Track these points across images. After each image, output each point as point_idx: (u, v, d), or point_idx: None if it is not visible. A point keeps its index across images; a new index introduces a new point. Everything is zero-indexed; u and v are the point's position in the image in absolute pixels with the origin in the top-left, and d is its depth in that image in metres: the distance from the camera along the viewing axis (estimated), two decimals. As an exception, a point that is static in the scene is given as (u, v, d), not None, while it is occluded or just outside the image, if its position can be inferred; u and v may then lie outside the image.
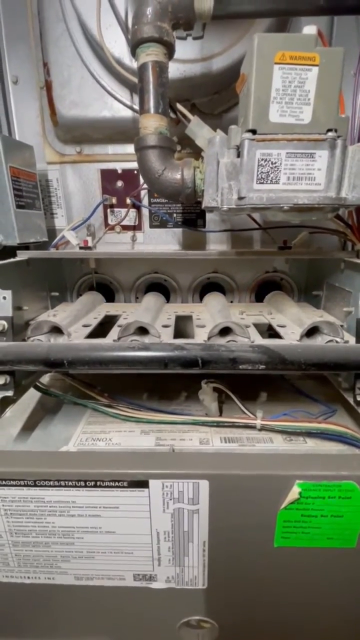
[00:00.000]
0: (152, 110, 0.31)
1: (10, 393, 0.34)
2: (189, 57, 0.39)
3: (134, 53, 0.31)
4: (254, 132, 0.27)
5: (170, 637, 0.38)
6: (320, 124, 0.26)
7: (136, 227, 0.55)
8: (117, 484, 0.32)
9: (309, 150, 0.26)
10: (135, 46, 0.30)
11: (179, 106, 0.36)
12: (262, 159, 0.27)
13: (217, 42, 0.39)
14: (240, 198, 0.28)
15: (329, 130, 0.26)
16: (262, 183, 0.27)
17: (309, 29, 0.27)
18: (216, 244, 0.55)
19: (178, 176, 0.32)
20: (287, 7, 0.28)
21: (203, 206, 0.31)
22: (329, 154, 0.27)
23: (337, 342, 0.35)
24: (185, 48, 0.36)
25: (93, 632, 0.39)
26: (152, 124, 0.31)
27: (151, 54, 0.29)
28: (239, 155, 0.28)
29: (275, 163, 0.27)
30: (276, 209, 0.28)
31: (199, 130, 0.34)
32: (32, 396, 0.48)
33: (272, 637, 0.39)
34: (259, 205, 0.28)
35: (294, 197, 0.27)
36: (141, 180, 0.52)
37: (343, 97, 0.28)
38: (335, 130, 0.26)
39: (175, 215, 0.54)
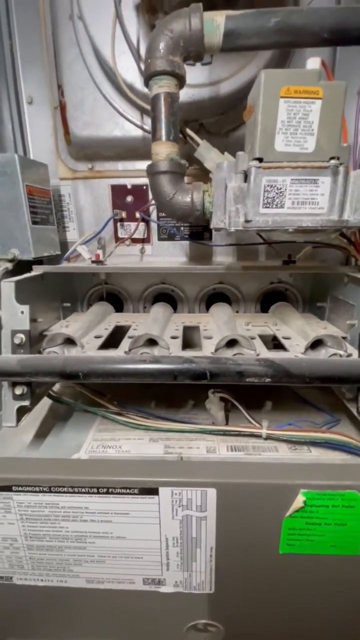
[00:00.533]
0: (164, 138, 0.33)
1: (27, 403, 0.36)
2: (197, 82, 0.41)
3: (147, 84, 0.33)
4: (260, 160, 0.28)
5: (179, 639, 0.39)
6: (324, 153, 0.28)
7: (145, 240, 0.57)
8: (128, 491, 0.33)
9: (312, 177, 0.28)
10: (148, 78, 0.32)
11: (189, 131, 0.38)
12: (268, 185, 0.28)
13: (224, 68, 0.41)
14: (247, 221, 0.29)
15: (332, 158, 0.28)
16: (268, 207, 0.29)
17: (313, 62, 0.29)
18: (222, 256, 0.57)
19: (188, 199, 0.33)
20: (292, 40, 0.30)
21: (211, 226, 0.32)
22: (332, 180, 0.28)
23: (340, 355, 0.36)
24: (194, 73, 0.38)
25: (103, 634, 0.40)
26: (164, 151, 0.33)
27: (163, 85, 0.31)
28: (245, 179, 0.30)
29: (280, 189, 0.28)
30: (281, 231, 0.30)
31: (207, 154, 0.36)
32: (43, 404, 0.49)
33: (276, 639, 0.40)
34: (264, 228, 0.29)
35: (298, 221, 0.29)
36: (150, 195, 0.54)
37: (346, 125, 0.29)
38: (338, 158, 0.28)
39: (182, 228, 0.56)
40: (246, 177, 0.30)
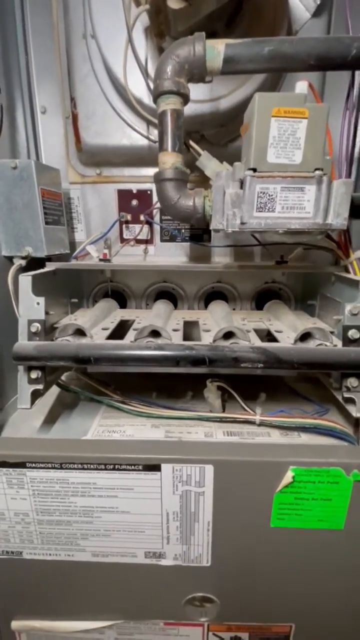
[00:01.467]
0: (169, 149, 0.37)
1: (40, 386, 0.39)
2: (199, 98, 0.45)
3: (155, 101, 0.37)
4: (254, 170, 0.32)
5: (177, 612, 0.42)
6: (309, 164, 0.32)
7: (148, 241, 0.60)
8: (133, 467, 0.36)
9: (299, 185, 0.32)
10: (156, 96, 0.36)
11: (192, 142, 0.42)
12: (261, 192, 0.32)
13: (223, 86, 0.46)
14: (242, 223, 0.33)
15: (316, 169, 0.32)
16: (261, 211, 0.33)
17: (300, 85, 0.33)
18: (220, 257, 0.61)
19: (190, 203, 0.37)
20: (283, 66, 0.34)
21: (211, 227, 0.36)
22: (317, 188, 0.32)
23: (326, 345, 0.40)
24: (197, 91, 0.42)
25: (104, 609, 0.43)
26: (170, 160, 0.37)
27: (170, 103, 0.35)
28: (241, 186, 0.34)
29: (271, 195, 0.32)
30: (272, 232, 0.34)
31: (208, 163, 0.40)
32: (51, 393, 0.52)
33: (268, 612, 0.42)
34: (258, 229, 0.33)
35: (288, 223, 0.33)
36: (154, 199, 0.58)
37: (331, 139, 0.33)
38: (322, 169, 0.32)
39: (183, 230, 0.60)
40: (242, 184, 0.34)
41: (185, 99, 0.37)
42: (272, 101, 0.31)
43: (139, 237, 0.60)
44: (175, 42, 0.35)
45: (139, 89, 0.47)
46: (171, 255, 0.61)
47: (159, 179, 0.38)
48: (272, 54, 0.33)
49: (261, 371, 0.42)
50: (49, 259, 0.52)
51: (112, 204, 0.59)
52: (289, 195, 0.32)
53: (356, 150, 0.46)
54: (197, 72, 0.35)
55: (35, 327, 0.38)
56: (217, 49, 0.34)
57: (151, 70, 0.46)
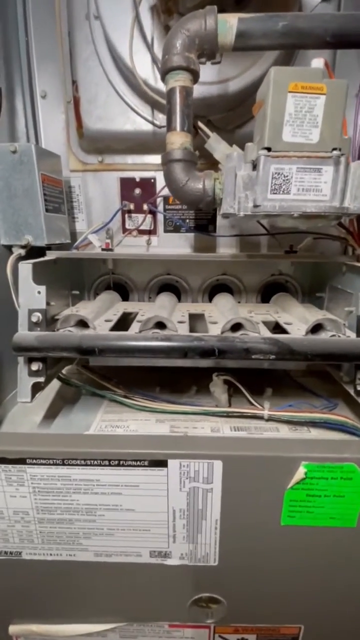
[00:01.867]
0: (178, 128, 0.35)
1: (42, 379, 0.38)
2: (207, 80, 0.43)
3: (163, 78, 0.35)
4: (269, 149, 0.31)
5: (182, 613, 0.41)
6: (327, 144, 0.30)
7: (151, 232, 0.59)
8: (138, 463, 0.34)
9: (316, 166, 0.31)
10: (165, 73, 0.35)
11: (200, 124, 0.41)
12: (276, 173, 0.31)
13: (232, 67, 0.44)
14: (255, 206, 0.32)
15: (334, 149, 0.30)
16: (276, 193, 0.31)
17: (317, 62, 0.31)
18: (226, 248, 0.59)
19: (200, 186, 0.36)
20: (297, 42, 0.33)
21: (221, 212, 0.35)
22: (334, 169, 0.31)
23: (339, 337, 0.38)
24: (204, 72, 0.40)
25: (108, 609, 0.41)
26: (178, 140, 0.35)
27: (179, 80, 0.34)
28: (254, 168, 0.32)
29: (287, 176, 0.31)
30: (287, 216, 0.32)
31: (217, 146, 0.39)
32: (51, 388, 0.51)
33: (277, 613, 0.41)
34: (272, 212, 0.32)
35: (303, 206, 0.31)
36: (157, 187, 0.56)
37: (346, 120, 0.32)
38: (339, 149, 0.31)
39: (188, 220, 0.58)
40: (254, 166, 0.32)
41: (195, 76, 0.35)
42: (288, 75, 0.29)
43: (141, 228, 0.58)
44: (185, 15, 0.33)
45: (144, 70, 0.45)
46: (175, 247, 0.60)
47: (166, 160, 0.36)
48: (286, 29, 0.32)
49: (270, 364, 0.40)
50: (49, 248, 0.50)
51: (114, 192, 0.57)
52: (305, 177, 0.31)
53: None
54: (208, 48, 0.33)
55: (36, 316, 0.36)
56: (229, 23, 0.32)
57: (157, 51, 0.44)
